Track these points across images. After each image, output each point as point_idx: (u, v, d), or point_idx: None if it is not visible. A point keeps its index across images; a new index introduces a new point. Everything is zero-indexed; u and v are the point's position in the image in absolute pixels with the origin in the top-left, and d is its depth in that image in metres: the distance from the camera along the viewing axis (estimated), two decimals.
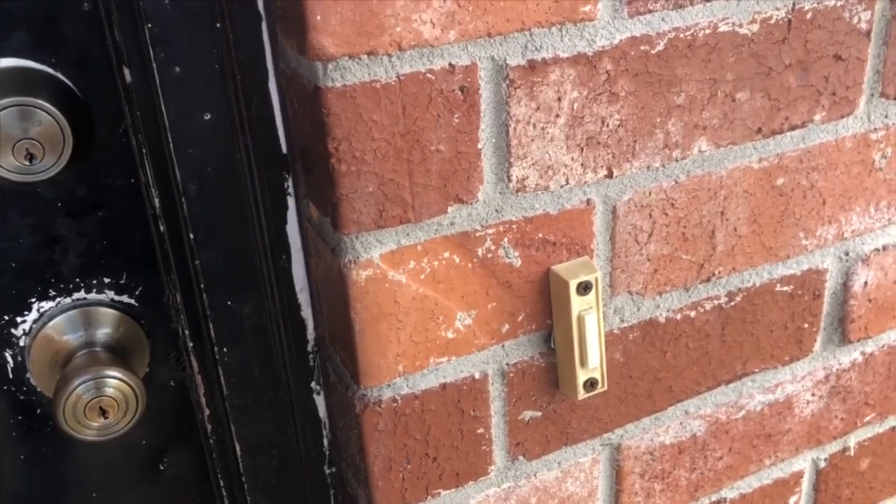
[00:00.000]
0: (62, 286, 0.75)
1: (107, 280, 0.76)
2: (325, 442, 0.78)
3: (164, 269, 0.74)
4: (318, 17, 0.53)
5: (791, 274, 0.80)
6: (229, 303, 0.70)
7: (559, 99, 0.63)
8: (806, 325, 0.83)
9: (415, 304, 0.64)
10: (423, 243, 0.63)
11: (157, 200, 0.67)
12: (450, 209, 0.62)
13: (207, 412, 0.76)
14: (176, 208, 0.67)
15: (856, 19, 0.71)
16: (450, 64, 0.58)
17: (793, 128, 0.73)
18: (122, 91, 0.69)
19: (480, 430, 0.71)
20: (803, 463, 0.92)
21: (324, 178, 0.59)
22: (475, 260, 0.65)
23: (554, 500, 0.78)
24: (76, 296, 0.76)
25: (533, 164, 0.64)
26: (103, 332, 0.79)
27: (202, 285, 0.68)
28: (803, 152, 0.75)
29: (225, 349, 0.71)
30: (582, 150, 0.65)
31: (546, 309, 0.70)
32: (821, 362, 0.86)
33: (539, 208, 0.66)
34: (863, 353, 0.89)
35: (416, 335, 0.65)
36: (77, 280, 0.76)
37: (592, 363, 0.69)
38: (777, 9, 0.67)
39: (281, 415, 0.75)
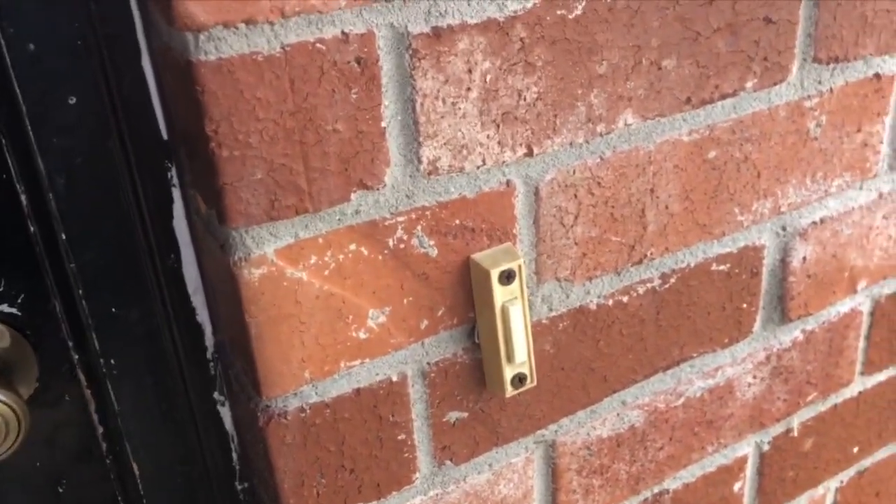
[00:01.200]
0: None
1: None
2: (235, 456, 0.71)
3: (43, 274, 0.67)
4: None
5: (727, 252, 0.75)
6: (113, 309, 0.62)
7: (470, 70, 0.57)
8: (744, 305, 0.79)
9: (319, 304, 0.58)
10: (325, 235, 0.56)
11: (22, 196, 0.59)
12: (353, 196, 0.56)
13: (101, 430, 0.69)
14: (45, 205, 0.59)
15: None
16: (342, 32, 0.51)
17: (724, 96, 0.68)
18: None
19: (402, 436, 0.65)
20: (747, 447, 0.88)
21: (205, 165, 0.52)
22: (386, 251, 0.59)
23: None
24: None
25: (445, 144, 0.58)
26: None
27: (81, 290, 0.61)
28: (735, 122, 0.70)
29: (112, 360, 0.64)
30: (498, 126, 0.59)
31: (468, 301, 0.64)
32: (761, 343, 0.83)
33: (454, 192, 0.60)
34: (803, 331, 0.85)
35: (322, 337, 0.59)
36: None
37: (519, 357, 0.64)
38: None
39: (181, 429, 0.68)
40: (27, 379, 0.73)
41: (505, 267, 0.61)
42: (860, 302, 0.88)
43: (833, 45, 0.72)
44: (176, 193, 0.61)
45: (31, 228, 0.61)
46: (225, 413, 0.69)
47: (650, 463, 0.81)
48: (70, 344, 0.65)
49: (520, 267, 0.62)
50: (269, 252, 0.55)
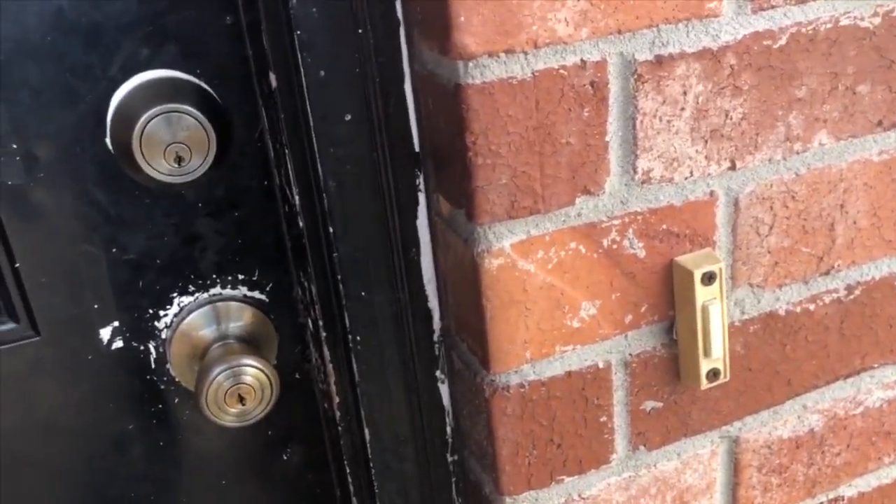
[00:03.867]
0: (200, 282, 0.81)
1: (241, 277, 0.82)
2: (449, 430, 0.81)
3: (297, 264, 0.79)
4: (462, 19, 0.57)
5: None
6: (363, 293, 0.74)
7: (684, 93, 0.65)
8: None
9: (542, 293, 0.67)
10: (551, 233, 0.65)
11: (296, 198, 0.72)
12: (577, 200, 0.65)
13: (338, 399, 0.80)
14: (314, 205, 0.71)
15: None
16: (581, 60, 0.61)
17: None
18: (259, 97, 0.74)
19: (603, 419, 0.73)
20: None
21: (459, 171, 0.63)
22: (600, 250, 0.67)
23: (672, 491, 0.79)
24: (212, 291, 0.81)
25: (658, 157, 0.66)
26: (236, 326, 0.84)
27: (339, 276, 0.72)
28: None
29: (358, 337, 0.75)
30: (706, 142, 0.67)
31: (668, 300, 0.71)
32: None
33: (664, 200, 0.68)
34: None
35: (542, 323, 0.68)
36: (214, 276, 0.81)
37: (716, 353, 0.71)
38: None
39: (408, 402, 0.78)
40: (268, 357, 0.86)
41: (707, 269, 0.69)
42: None
43: None
44: (421, 197, 0.71)
45: (300, 224, 0.73)
46: (444, 390, 0.79)
47: (827, 468, 0.85)
48: (320, 323, 0.77)
49: (720, 269, 0.69)
50: (506, 246, 0.64)
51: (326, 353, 0.78)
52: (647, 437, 0.76)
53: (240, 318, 0.84)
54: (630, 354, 0.72)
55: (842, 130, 0.71)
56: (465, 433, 0.79)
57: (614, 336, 0.71)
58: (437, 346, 0.77)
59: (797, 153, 0.70)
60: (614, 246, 0.68)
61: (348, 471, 0.84)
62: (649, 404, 0.75)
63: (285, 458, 0.91)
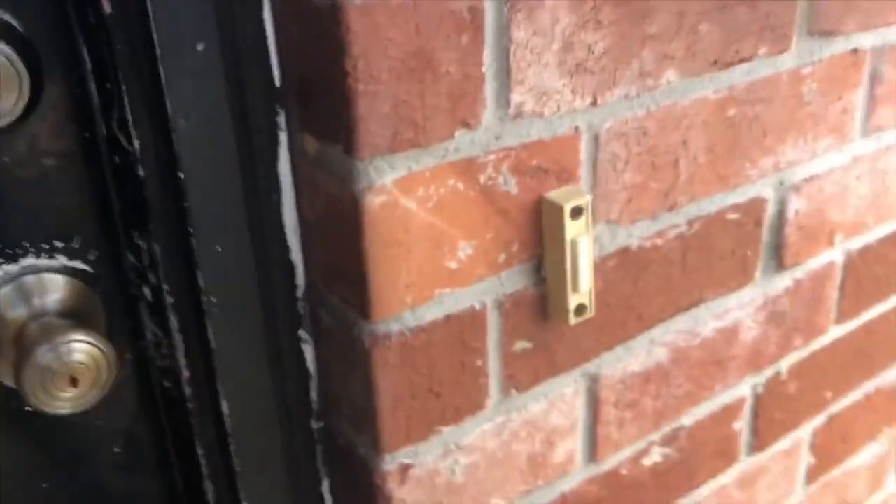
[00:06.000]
0: (9, 252, 0.69)
1: (58, 244, 0.71)
2: (314, 395, 0.75)
3: (132, 225, 0.70)
4: None
5: (739, 202, 0.86)
6: (218, 248, 0.67)
7: (553, 24, 0.65)
8: (749, 253, 0.90)
9: (423, 233, 0.64)
10: (432, 169, 0.63)
11: (136, 144, 0.64)
12: (456, 134, 0.63)
13: (187, 374, 0.72)
14: (160, 149, 0.63)
15: None
16: None
17: (742, 60, 0.79)
18: (80, 31, 0.65)
19: (479, 363, 0.72)
20: (745, 389, 0.98)
21: (337, 101, 0.58)
22: (477, 188, 0.66)
23: (541, 433, 0.80)
24: (24, 262, 0.70)
25: (530, 90, 0.65)
26: (55, 301, 0.73)
27: (190, 229, 0.65)
28: (750, 85, 0.80)
29: (213, 298, 0.68)
30: (572, 76, 0.67)
31: (536, 239, 0.71)
32: (760, 289, 0.93)
33: (534, 135, 0.67)
34: (793, 279, 0.96)
35: (424, 265, 0.65)
36: (26, 245, 0.70)
37: (584, 287, 0.72)
38: None
39: (273, 368, 0.72)
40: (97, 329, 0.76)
41: (575, 203, 0.69)
42: (836, 255, 1.00)
43: (823, 21, 0.84)
44: (283, 137, 0.66)
45: (141, 173, 0.65)
46: (308, 351, 0.74)
47: (671, 399, 0.90)
48: (165, 288, 0.69)
49: (588, 203, 0.70)
50: (388, 182, 0.61)
51: (173, 321, 0.70)
52: (518, 380, 0.76)
53: (59, 292, 0.73)
54: (504, 295, 0.71)
55: (686, 68, 0.75)
56: (334, 396, 0.74)
57: (489, 277, 0.70)
58: (300, 303, 0.72)
59: (649, 90, 0.73)
60: (490, 182, 0.66)
61: (201, 452, 0.76)
62: (520, 345, 0.74)
63: (117, 451, 0.81)
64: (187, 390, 0.73)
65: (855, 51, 0.89)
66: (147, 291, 0.73)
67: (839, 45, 0.87)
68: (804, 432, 1.11)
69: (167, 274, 0.68)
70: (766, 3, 0.78)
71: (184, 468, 0.80)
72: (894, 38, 0.91)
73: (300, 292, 0.71)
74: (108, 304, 0.73)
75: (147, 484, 0.81)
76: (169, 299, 0.69)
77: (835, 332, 1.06)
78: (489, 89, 0.63)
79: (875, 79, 0.92)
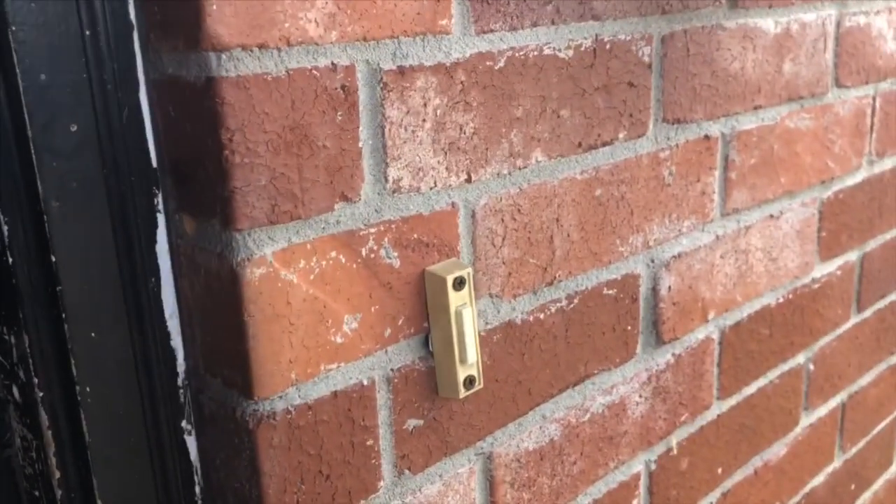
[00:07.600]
0: None
1: None
2: (198, 489, 0.72)
3: (2, 315, 0.67)
4: (214, 7, 0.55)
5: (613, 278, 0.90)
6: (93, 334, 0.64)
7: (425, 104, 0.68)
8: (629, 328, 0.93)
9: (306, 306, 0.64)
10: (312, 241, 0.64)
11: (4, 228, 0.62)
12: (336, 206, 0.64)
13: (58, 475, 0.68)
14: (30, 232, 0.62)
15: (640, 53, 0.85)
16: (332, 63, 0.62)
17: (604, 144, 0.84)
18: None
19: (370, 442, 0.71)
20: (639, 465, 1.00)
21: (213, 175, 0.59)
22: (359, 260, 0.67)
23: None
24: None
25: (406, 166, 0.68)
26: None
27: (63, 315, 0.63)
28: (613, 166, 0.86)
29: (88, 389, 0.65)
30: (446, 154, 0.71)
31: (422, 312, 0.72)
32: (643, 364, 0.96)
33: (413, 209, 0.70)
34: (673, 354, 1.00)
35: (307, 339, 0.65)
36: None
37: (471, 358, 0.73)
38: (585, 38, 0.80)
39: (154, 462, 0.69)
40: None
41: (457, 274, 0.71)
42: (711, 331, 1.05)
43: (675, 109, 0.92)
44: (160, 219, 0.66)
45: (8, 261, 0.63)
46: (191, 442, 0.71)
47: (567, 477, 0.90)
48: (35, 381, 0.66)
49: (469, 274, 0.72)
50: (267, 254, 0.61)
51: (44, 418, 0.67)
52: (411, 460, 0.75)
53: None
54: (392, 370, 0.71)
55: (552, 149, 0.79)
56: (218, 487, 0.71)
57: (376, 351, 0.70)
58: (181, 391, 0.70)
59: (519, 169, 0.77)
60: (372, 255, 0.68)
61: None
62: (411, 423, 0.74)
63: None
64: (59, 493, 0.68)
65: (707, 137, 0.97)
66: (16, 391, 0.69)
67: (692, 132, 0.95)
68: None
69: (38, 366, 0.65)
70: (622, 92, 0.85)
71: None
72: (740, 126, 1.00)
73: (181, 380, 0.69)
74: None
75: None
76: (39, 393, 0.66)
77: (718, 407, 1.10)
78: (366, 164, 0.66)
79: (729, 163, 1.00)
